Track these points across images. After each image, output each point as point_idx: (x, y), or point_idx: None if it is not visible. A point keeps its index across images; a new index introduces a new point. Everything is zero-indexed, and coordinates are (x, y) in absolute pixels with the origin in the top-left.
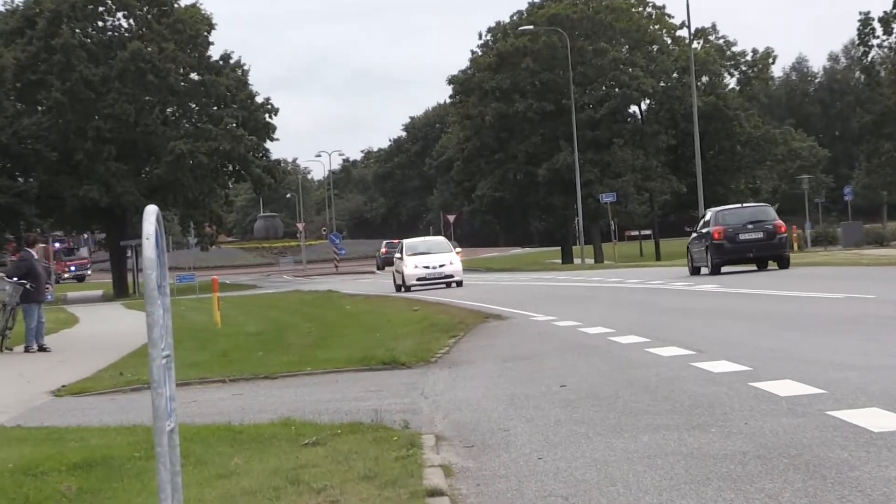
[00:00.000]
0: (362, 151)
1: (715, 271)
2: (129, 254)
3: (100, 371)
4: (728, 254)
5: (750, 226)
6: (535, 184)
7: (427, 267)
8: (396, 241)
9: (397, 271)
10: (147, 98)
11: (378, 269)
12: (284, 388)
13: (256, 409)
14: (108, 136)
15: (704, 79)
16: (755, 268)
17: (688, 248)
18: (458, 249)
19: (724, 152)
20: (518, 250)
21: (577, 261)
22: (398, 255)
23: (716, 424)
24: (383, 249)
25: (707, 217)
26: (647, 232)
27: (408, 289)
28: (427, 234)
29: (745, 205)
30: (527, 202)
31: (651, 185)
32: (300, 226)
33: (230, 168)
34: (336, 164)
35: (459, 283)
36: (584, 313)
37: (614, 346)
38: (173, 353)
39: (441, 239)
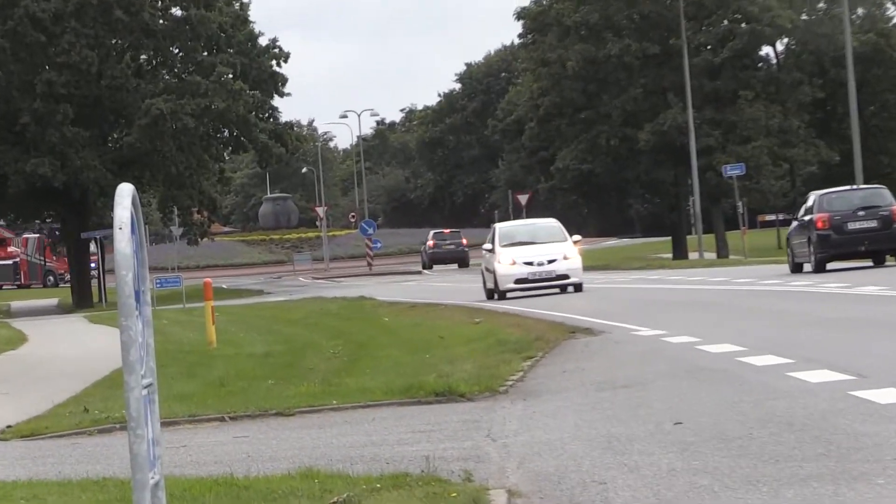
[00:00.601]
0: (403, 111)
1: (819, 268)
2: (93, 249)
3: (57, 406)
4: (835, 247)
5: (861, 212)
6: (634, 152)
7: (530, 263)
8: (448, 230)
9: (487, 269)
10: (114, 41)
11: (425, 267)
12: (303, 428)
13: (267, 457)
14: (63, 92)
15: (861, 10)
16: (870, 263)
17: (787, 239)
18: (577, 238)
19: (888, 108)
20: (613, 241)
21: (692, 255)
22: (487, 245)
23: (884, 474)
24: (430, 242)
25: (810, 202)
26: (788, 216)
27: (502, 295)
28: (491, 220)
29: (855, 187)
30: (624, 177)
31: (791, 154)
32: (320, 211)
33: (226, 134)
34: (368, 127)
35: (578, 287)
36: (704, 326)
37: (745, 368)
38: (156, 381)
39: (551, 223)
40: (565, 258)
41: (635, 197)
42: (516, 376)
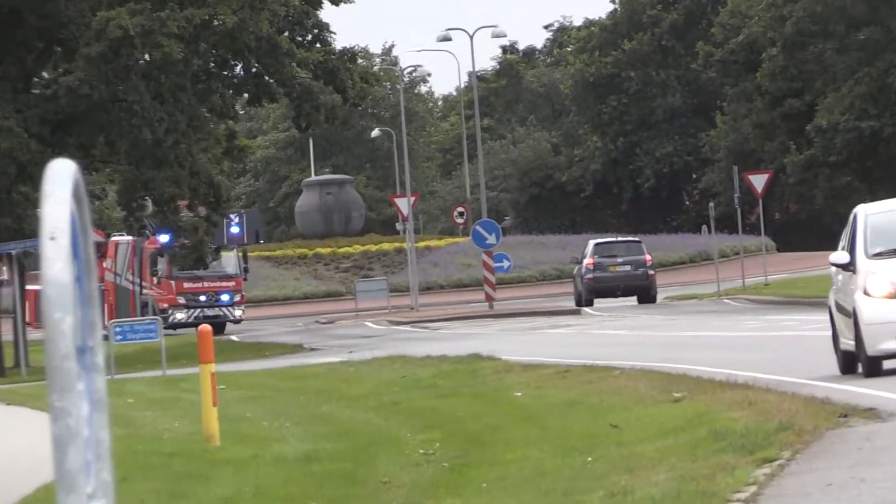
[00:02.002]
0: (549, 30)
1: None
2: (1, 274)
3: None
4: None
5: None
6: None
7: None
8: (621, 239)
9: (840, 308)
10: None
11: (580, 303)
12: None
13: None
14: None
15: None
16: None
17: None
18: None
19: None
20: None
21: None
22: (840, 257)
23: None
24: (590, 260)
25: None
26: None
27: (873, 367)
28: (701, 218)
29: None
30: None
31: None
32: (403, 204)
33: (238, 71)
34: (487, 58)
35: None
36: None
37: None
38: None
39: None
40: None
41: None
42: (745, 495)
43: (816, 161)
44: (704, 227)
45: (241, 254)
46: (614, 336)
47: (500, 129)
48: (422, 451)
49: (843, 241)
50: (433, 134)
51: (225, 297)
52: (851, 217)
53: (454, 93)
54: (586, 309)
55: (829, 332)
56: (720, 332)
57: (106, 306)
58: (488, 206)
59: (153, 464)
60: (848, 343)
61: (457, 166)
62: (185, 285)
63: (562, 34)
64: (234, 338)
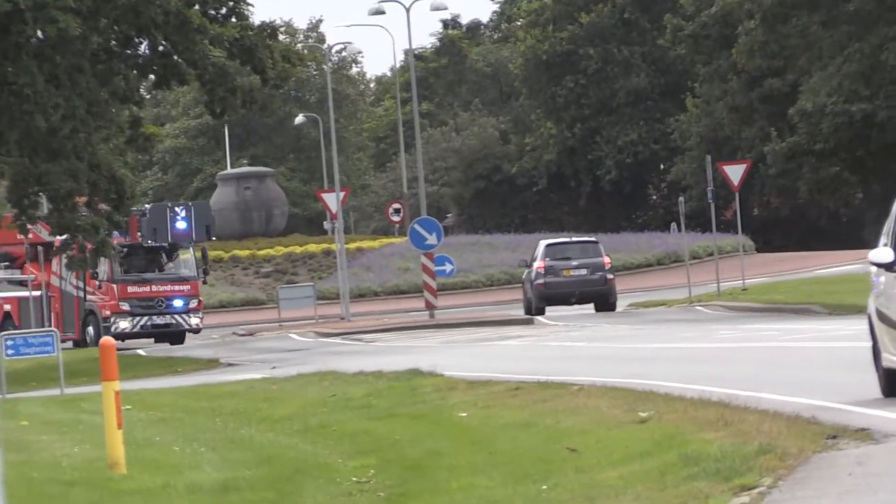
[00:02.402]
0: (496, 1)
1: None
2: None
3: None
4: None
5: None
6: None
7: None
8: (576, 239)
9: (882, 315)
10: None
11: (530, 312)
12: None
13: None
14: None
15: None
16: None
17: None
18: None
19: None
20: None
21: None
22: (882, 254)
23: None
24: (540, 264)
25: None
26: None
27: None
28: (670, 215)
29: None
30: None
31: None
32: (331, 201)
33: (144, 49)
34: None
35: None
36: None
37: None
38: None
39: None
40: None
41: None
42: None
43: (800, 149)
44: (674, 225)
45: (198, 253)
46: (572, 348)
47: (442, 114)
48: (354, 480)
49: (885, 237)
50: (365, 120)
51: (178, 303)
52: (895, 207)
53: (389, 74)
54: (539, 318)
55: (815, 344)
56: (692, 343)
57: (52, 315)
58: (428, 202)
59: (51, 493)
60: (893, 360)
61: (392, 157)
62: (130, 289)
63: (510, 6)
64: (140, 352)
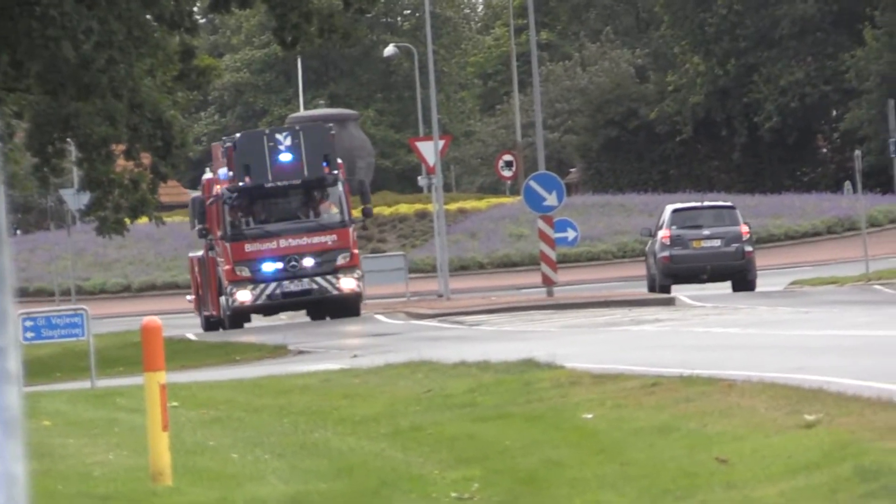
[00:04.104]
0: None
1: None
2: None
3: None
4: None
5: None
6: None
7: None
8: (707, 204)
9: None
10: None
11: (652, 289)
12: None
13: None
14: None
15: None
16: None
17: None
18: None
19: None
20: None
21: None
22: None
23: None
24: (665, 233)
25: None
26: None
27: None
28: (843, 173)
29: None
30: None
31: None
32: (428, 152)
33: None
34: None
35: None
36: None
37: None
38: None
39: None
40: None
41: None
42: None
43: None
44: (847, 185)
45: (345, 188)
46: (722, 335)
47: (565, 45)
48: (454, 495)
49: None
50: (471, 52)
51: (318, 261)
52: None
53: None
54: (681, 298)
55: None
56: (870, 330)
57: (193, 286)
58: (547, 154)
59: None
60: None
61: (503, 98)
62: (248, 248)
63: None
64: (190, 335)
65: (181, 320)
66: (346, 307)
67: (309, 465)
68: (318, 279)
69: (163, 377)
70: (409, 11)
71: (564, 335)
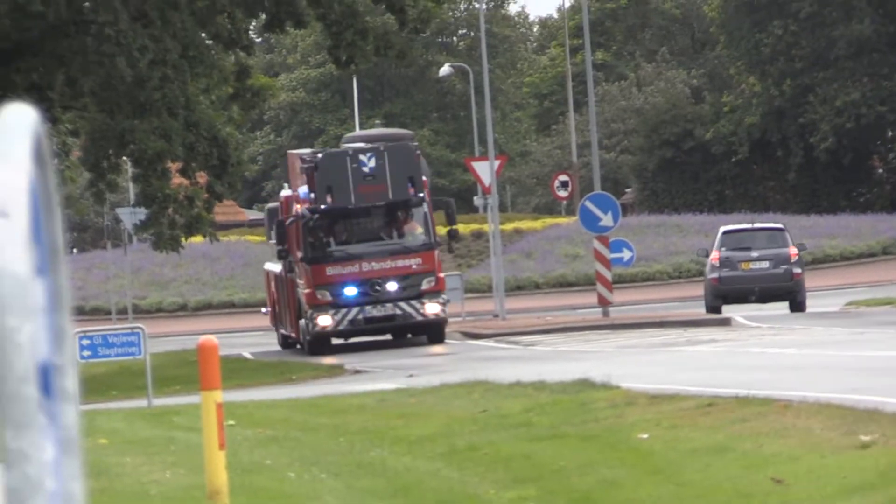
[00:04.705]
0: None
1: None
2: None
3: None
4: None
5: None
6: None
7: None
8: (757, 226)
9: None
10: None
11: (710, 309)
12: None
13: None
14: None
15: None
16: None
17: None
18: None
19: None
20: None
21: None
22: None
23: None
24: (715, 255)
25: None
26: None
27: None
28: (893, 194)
29: None
30: None
31: None
32: (483, 171)
33: None
34: None
35: None
36: None
37: None
38: None
39: None
40: None
41: None
42: None
43: None
44: None
45: (429, 209)
46: (778, 356)
47: (620, 66)
48: None
49: None
50: (526, 72)
51: (402, 285)
52: None
53: (556, 15)
54: (738, 319)
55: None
56: None
57: (269, 304)
58: (603, 174)
59: None
60: None
61: (559, 118)
62: (329, 271)
63: None
64: (246, 354)
65: (237, 339)
66: (431, 333)
67: (365, 485)
68: (402, 304)
69: (219, 396)
70: (464, 31)
71: (620, 355)
